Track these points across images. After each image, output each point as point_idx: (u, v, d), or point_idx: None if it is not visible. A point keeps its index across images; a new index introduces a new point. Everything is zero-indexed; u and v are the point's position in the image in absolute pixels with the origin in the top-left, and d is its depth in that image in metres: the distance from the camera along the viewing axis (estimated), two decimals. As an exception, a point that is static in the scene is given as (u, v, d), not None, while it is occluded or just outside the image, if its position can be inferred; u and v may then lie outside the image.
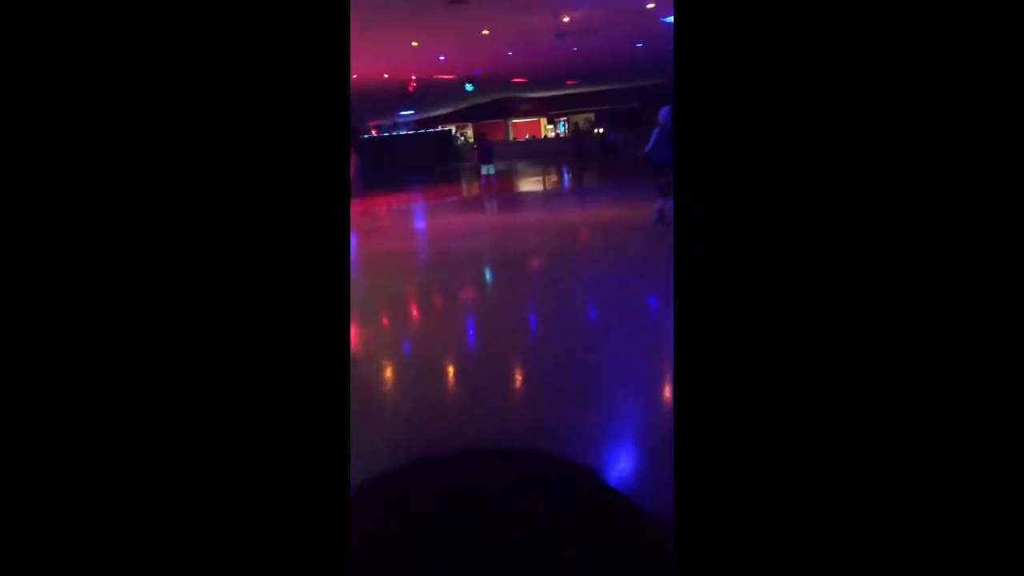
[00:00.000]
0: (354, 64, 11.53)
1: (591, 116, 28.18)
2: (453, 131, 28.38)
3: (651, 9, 10.00)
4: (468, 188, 17.10)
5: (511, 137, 28.47)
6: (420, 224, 11.83)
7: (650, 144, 7.77)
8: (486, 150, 15.86)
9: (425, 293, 6.65)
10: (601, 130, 24.99)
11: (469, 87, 17.16)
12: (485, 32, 10.63)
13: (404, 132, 26.80)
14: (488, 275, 7.32)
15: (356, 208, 13.71)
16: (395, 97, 17.63)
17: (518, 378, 4.27)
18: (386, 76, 14.23)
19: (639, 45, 13.83)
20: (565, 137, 26.33)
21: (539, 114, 28.97)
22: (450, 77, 15.58)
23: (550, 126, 29.60)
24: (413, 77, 15.32)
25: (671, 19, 10.90)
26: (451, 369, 4.44)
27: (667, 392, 3.91)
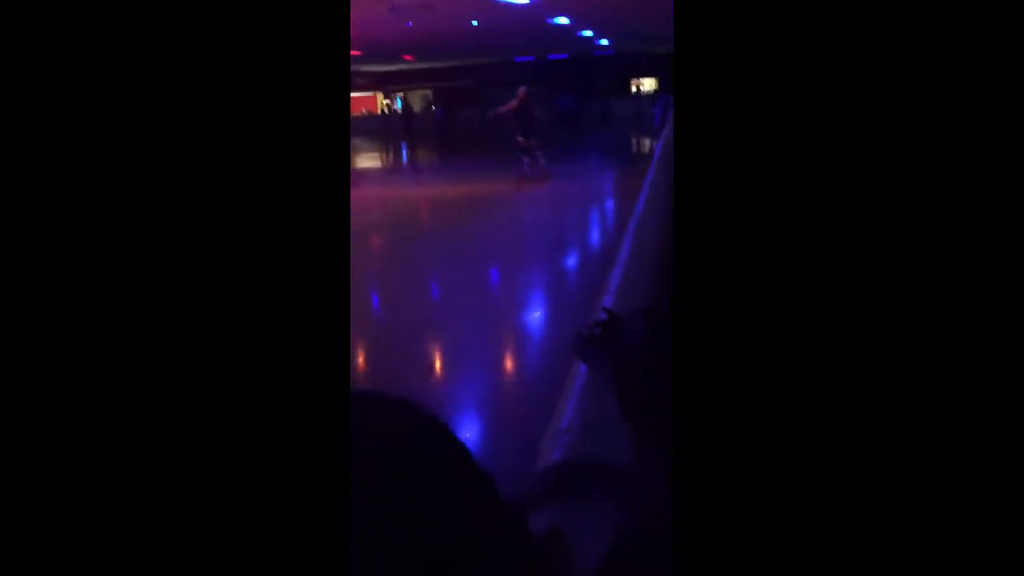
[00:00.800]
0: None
1: (428, 93, 27.95)
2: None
3: (486, -12, 10.10)
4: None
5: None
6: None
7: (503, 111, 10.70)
8: None
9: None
10: (435, 107, 24.89)
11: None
12: (317, 2, 10.23)
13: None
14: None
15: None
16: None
17: (362, 354, 4.28)
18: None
19: (474, 23, 13.91)
20: (399, 113, 26.03)
21: (375, 88, 28.32)
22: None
23: (386, 101, 29.06)
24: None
25: (506, -1, 11.07)
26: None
27: (507, 363, 4.08)
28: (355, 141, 20.32)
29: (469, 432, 3.09)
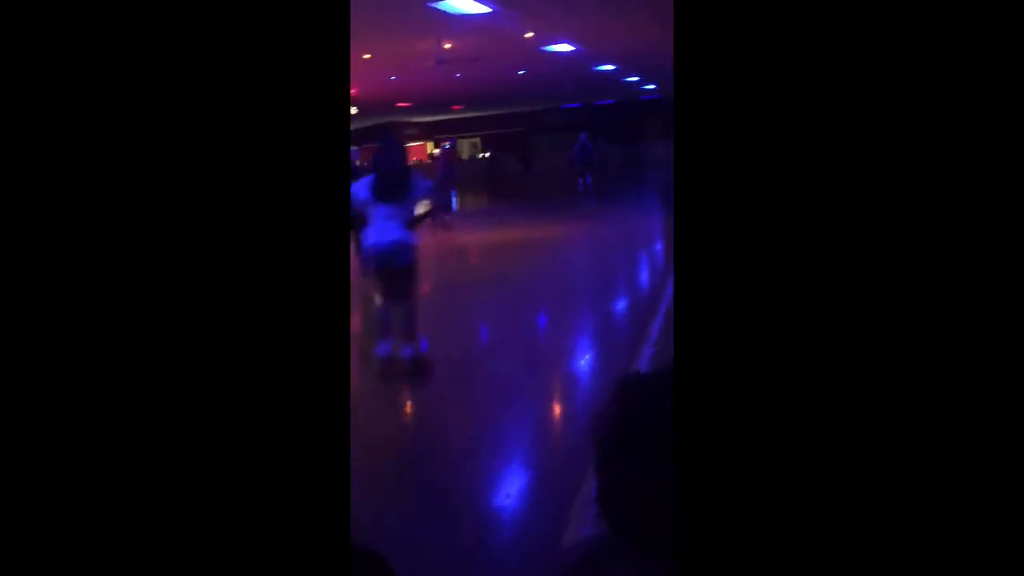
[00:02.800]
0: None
1: (477, 140, 28.47)
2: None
3: (531, 38, 10.29)
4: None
5: (397, 161, 28.34)
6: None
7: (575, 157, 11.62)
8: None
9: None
10: (488, 154, 25.35)
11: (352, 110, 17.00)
12: (366, 56, 10.59)
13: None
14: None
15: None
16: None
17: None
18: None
19: (521, 72, 14.16)
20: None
21: (425, 138, 28.99)
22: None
23: (436, 150, 29.71)
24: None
25: (551, 48, 11.27)
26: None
27: (555, 408, 4.02)
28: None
29: (515, 479, 3.03)
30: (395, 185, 3.93)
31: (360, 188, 3.94)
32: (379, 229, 3.91)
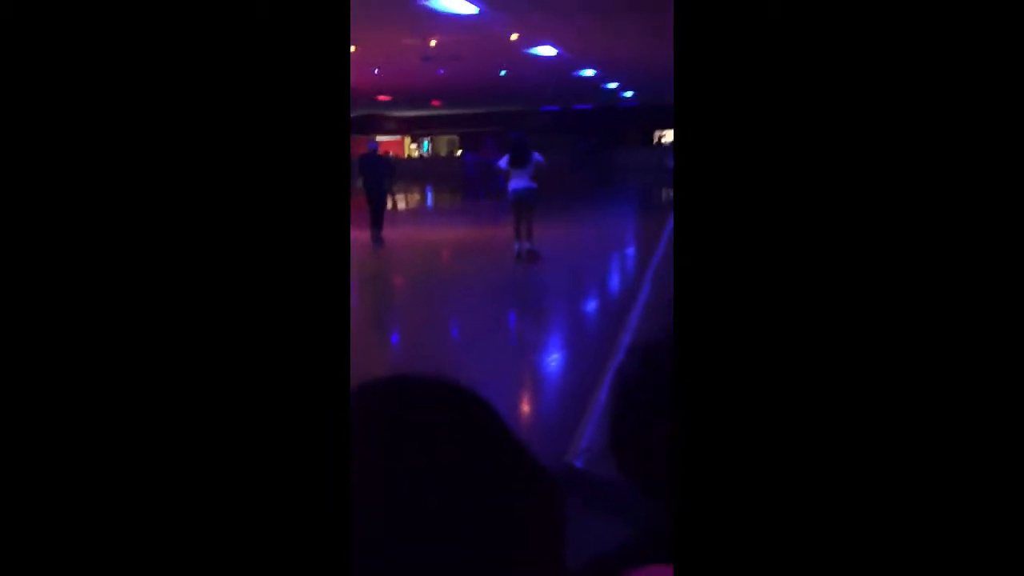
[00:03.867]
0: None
1: (455, 138, 28.49)
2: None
3: (515, 40, 10.40)
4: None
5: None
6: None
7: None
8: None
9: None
10: (460, 152, 25.40)
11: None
12: (352, 48, 10.61)
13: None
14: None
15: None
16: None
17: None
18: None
19: (503, 73, 14.27)
20: (428, 157, 26.52)
21: (403, 133, 28.90)
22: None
23: (413, 145, 29.63)
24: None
25: (534, 50, 11.39)
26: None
27: (524, 406, 4.13)
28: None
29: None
30: (521, 158, 7.84)
31: (503, 163, 8.07)
32: (515, 182, 7.93)
